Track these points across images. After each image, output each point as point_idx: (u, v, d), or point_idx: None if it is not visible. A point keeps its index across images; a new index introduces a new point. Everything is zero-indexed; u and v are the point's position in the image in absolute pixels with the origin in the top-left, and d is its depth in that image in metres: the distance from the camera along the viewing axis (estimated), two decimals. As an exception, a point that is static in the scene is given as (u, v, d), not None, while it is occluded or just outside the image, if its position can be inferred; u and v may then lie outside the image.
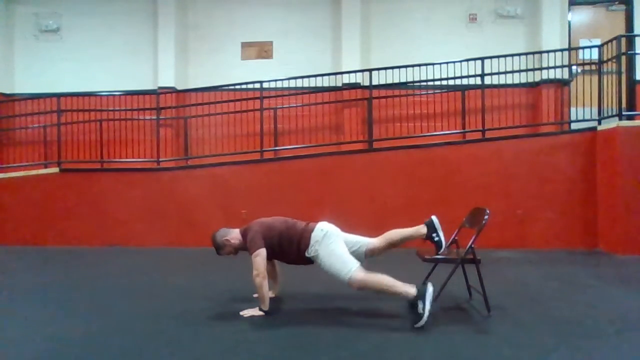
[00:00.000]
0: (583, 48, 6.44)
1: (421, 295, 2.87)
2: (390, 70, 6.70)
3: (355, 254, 3.19)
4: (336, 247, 3.10)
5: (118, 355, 2.48)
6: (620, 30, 7.29)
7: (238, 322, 2.99)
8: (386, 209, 6.06)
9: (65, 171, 6.84)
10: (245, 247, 3.25)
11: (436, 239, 3.13)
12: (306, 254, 3.15)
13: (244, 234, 3.27)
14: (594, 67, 6.19)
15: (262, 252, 3.10)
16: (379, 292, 3.02)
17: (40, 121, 7.39)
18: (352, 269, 3.00)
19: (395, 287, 2.96)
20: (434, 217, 3.20)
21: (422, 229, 3.20)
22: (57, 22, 8.13)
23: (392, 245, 3.23)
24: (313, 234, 3.15)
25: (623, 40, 5.80)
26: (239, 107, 7.09)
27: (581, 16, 7.57)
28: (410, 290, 2.93)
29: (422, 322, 2.82)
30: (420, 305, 2.85)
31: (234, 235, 3.31)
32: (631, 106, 6.93)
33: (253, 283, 3.08)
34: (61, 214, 6.66)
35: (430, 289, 2.91)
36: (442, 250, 3.14)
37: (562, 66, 6.50)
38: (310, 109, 7.20)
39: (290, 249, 3.22)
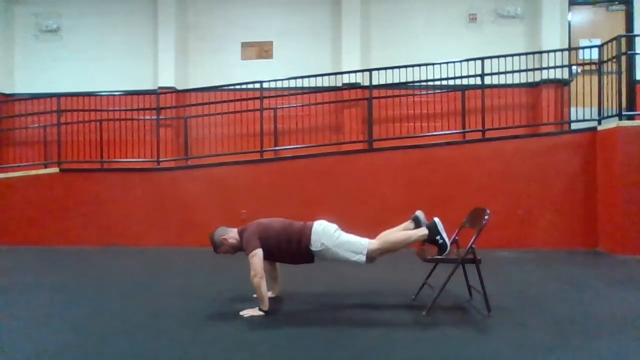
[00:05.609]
0: (583, 48, 6.44)
1: (434, 230, 3.09)
2: (390, 70, 6.70)
3: None
4: (340, 234, 3.24)
5: (118, 356, 2.48)
6: (620, 30, 7.29)
7: (238, 322, 2.99)
8: (386, 209, 6.04)
9: (65, 171, 6.84)
10: (242, 247, 3.26)
11: (440, 241, 3.10)
12: (311, 248, 3.19)
13: (240, 234, 3.29)
14: (594, 67, 6.18)
15: (258, 253, 3.12)
16: (397, 249, 3.19)
17: (40, 121, 7.39)
18: (365, 245, 3.16)
19: (410, 238, 3.15)
20: (436, 219, 3.16)
21: (422, 231, 3.15)
22: (57, 22, 8.12)
23: (390, 250, 3.20)
24: (314, 229, 3.22)
25: (623, 40, 5.81)
26: (239, 107, 7.09)
27: (581, 16, 7.57)
28: (422, 232, 3.14)
29: (447, 250, 3.08)
30: (438, 238, 3.09)
31: (231, 234, 3.33)
32: (631, 106, 6.91)
33: (251, 283, 3.08)
34: (61, 214, 6.65)
35: (436, 220, 3.13)
36: (447, 252, 3.11)
37: (562, 66, 6.49)
38: (310, 109, 7.20)
39: (289, 248, 3.23)
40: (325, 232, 3.20)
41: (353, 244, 3.17)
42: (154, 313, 3.25)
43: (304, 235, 3.21)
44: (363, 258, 3.14)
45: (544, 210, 5.91)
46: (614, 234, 5.47)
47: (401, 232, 3.22)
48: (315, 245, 3.19)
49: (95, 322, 3.06)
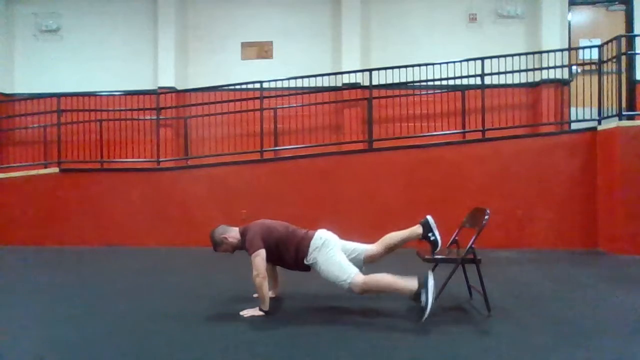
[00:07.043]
0: (583, 48, 6.44)
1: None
2: (390, 70, 6.69)
3: (354, 261, 3.21)
4: (334, 254, 3.14)
5: (118, 356, 2.48)
6: (620, 30, 7.28)
7: (238, 322, 2.99)
8: (386, 209, 6.05)
9: (65, 171, 6.84)
10: (242, 247, 3.26)
11: (432, 238, 3.14)
12: (305, 262, 3.19)
13: (243, 234, 3.28)
14: (594, 67, 6.18)
15: (261, 253, 3.10)
16: (382, 293, 3.09)
17: (40, 121, 7.38)
18: (351, 275, 3.05)
19: (397, 284, 2.99)
20: (428, 217, 3.21)
21: (417, 229, 3.20)
22: (57, 22, 8.12)
23: (390, 249, 3.24)
24: (312, 242, 3.18)
25: (623, 40, 5.79)
26: (239, 107, 7.09)
27: (581, 16, 7.57)
28: (412, 284, 2.95)
29: (425, 316, 2.83)
30: (422, 298, 2.87)
31: (232, 233, 3.32)
32: (631, 106, 6.91)
33: (253, 283, 3.08)
34: (61, 214, 6.65)
35: (431, 281, 2.89)
36: (438, 250, 3.13)
37: (562, 66, 6.49)
38: (310, 109, 7.19)
39: (287, 255, 3.23)
40: (324, 246, 3.15)
41: (341, 269, 3.07)
42: (154, 313, 3.25)
43: (302, 246, 3.19)
44: (346, 285, 3.06)
45: (544, 210, 5.90)
46: (614, 234, 5.47)
47: (394, 234, 3.23)
48: (308, 259, 3.17)
49: (95, 322, 3.05)
